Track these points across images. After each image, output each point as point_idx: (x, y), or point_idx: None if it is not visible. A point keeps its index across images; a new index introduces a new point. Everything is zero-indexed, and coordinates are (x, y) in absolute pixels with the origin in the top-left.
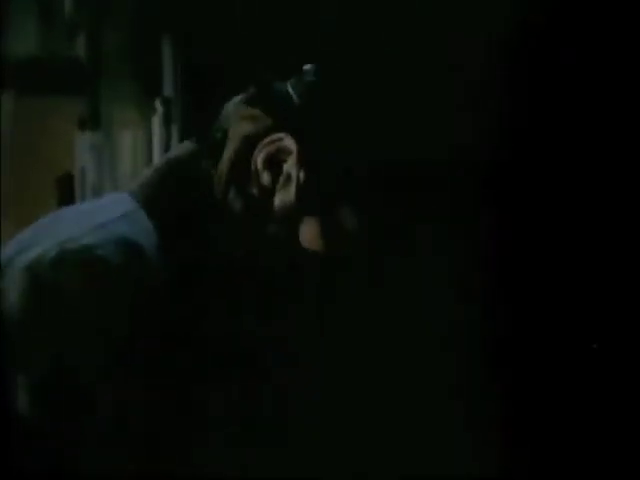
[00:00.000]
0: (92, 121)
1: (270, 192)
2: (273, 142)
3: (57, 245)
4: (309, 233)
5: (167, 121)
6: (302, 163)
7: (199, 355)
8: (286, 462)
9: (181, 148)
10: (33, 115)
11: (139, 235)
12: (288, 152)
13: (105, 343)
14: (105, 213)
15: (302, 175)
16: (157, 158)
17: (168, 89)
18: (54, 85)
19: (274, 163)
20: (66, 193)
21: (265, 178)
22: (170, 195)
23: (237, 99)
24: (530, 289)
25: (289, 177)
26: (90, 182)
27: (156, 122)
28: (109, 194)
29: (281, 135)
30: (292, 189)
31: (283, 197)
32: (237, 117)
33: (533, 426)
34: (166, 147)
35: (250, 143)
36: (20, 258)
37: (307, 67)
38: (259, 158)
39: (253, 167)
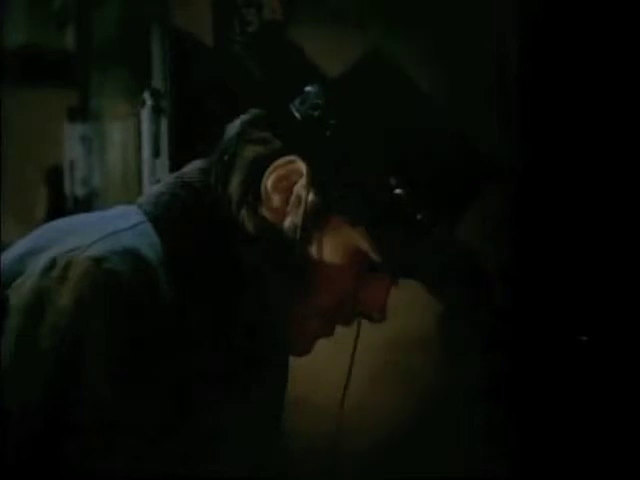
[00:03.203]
0: (81, 113)
1: (281, 214)
2: (283, 165)
3: (64, 254)
4: (324, 253)
5: (156, 113)
6: (312, 185)
7: (199, 368)
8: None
9: (191, 166)
10: (21, 106)
11: (146, 249)
12: (298, 174)
13: (107, 353)
14: (113, 223)
15: (312, 197)
16: (146, 150)
17: (157, 81)
18: (43, 76)
19: (284, 185)
20: (55, 185)
21: (276, 200)
22: (178, 213)
23: (243, 119)
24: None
25: (299, 199)
26: (79, 174)
27: (145, 114)
28: (118, 206)
29: (291, 157)
30: (302, 211)
31: (294, 219)
32: (245, 139)
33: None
34: (155, 139)
35: (260, 165)
36: (28, 264)
37: (309, 88)
38: (269, 181)
39: (263, 190)
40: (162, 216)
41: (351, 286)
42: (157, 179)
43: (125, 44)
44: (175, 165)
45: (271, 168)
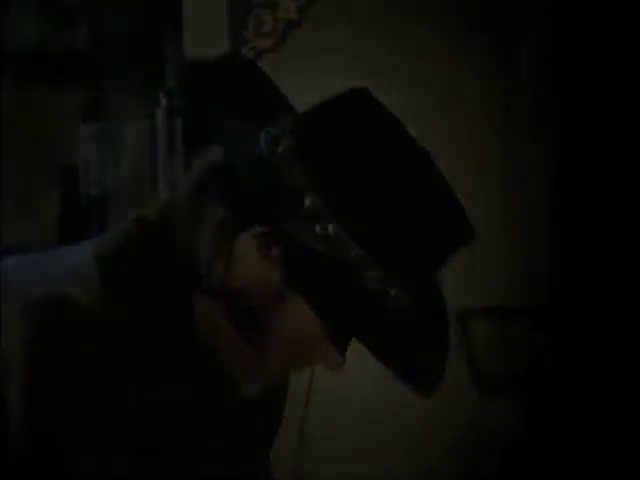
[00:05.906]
0: (95, 112)
1: (254, 279)
2: (254, 237)
3: None
4: (285, 324)
5: (170, 113)
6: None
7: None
8: None
9: (155, 203)
10: (35, 106)
11: (79, 292)
12: (270, 245)
13: (27, 401)
14: (55, 266)
15: (287, 260)
16: (161, 150)
17: (171, 81)
18: (56, 76)
19: (257, 259)
20: (69, 185)
21: (246, 269)
22: (126, 254)
23: (203, 167)
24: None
25: (276, 261)
26: (93, 174)
27: (160, 114)
28: (84, 243)
29: (263, 229)
30: (279, 274)
31: (264, 287)
32: (206, 198)
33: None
34: (169, 139)
35: (227, 228)
36: None
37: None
38: (242, 249)
39: (237, 257)
40: (107, 256)
41: (310, 352)
42: (172, 179)
43: (139, 44)
44: (189, 165)
45: (246, 237)
